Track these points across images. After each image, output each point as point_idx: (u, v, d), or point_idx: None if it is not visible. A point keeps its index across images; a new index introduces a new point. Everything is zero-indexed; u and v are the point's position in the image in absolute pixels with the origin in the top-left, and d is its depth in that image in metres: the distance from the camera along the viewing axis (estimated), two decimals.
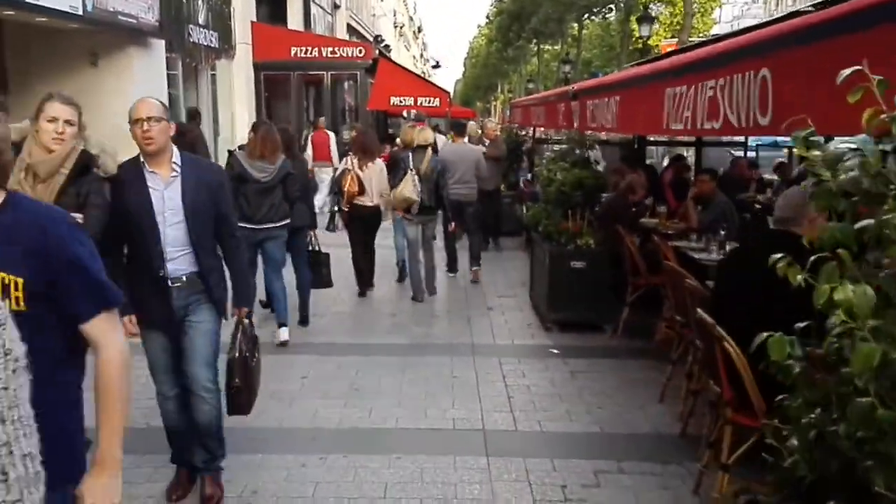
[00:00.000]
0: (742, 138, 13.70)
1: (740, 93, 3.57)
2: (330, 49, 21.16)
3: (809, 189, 2.00)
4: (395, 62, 25.54)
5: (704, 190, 8.67)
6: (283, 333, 7.26)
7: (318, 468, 4.60)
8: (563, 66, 44.95)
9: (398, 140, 10.92)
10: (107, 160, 4.08)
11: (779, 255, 1.98)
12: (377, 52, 24.08)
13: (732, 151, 19.76)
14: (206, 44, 16.84)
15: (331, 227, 9.44)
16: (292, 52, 20.56)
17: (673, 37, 46.19)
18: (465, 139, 11.32)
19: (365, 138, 9.51)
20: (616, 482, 4.54)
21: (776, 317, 4.05)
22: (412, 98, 19.32)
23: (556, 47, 57.59)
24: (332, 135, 16.84)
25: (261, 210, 6.88)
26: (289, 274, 7.76)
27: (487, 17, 73.68)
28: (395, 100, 19.56)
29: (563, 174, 7.82)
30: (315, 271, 7.97)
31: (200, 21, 16.45)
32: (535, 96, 17.37)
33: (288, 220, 7.11)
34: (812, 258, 1.80)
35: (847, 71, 1.75)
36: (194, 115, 13.97)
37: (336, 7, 32.90)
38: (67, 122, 3.91)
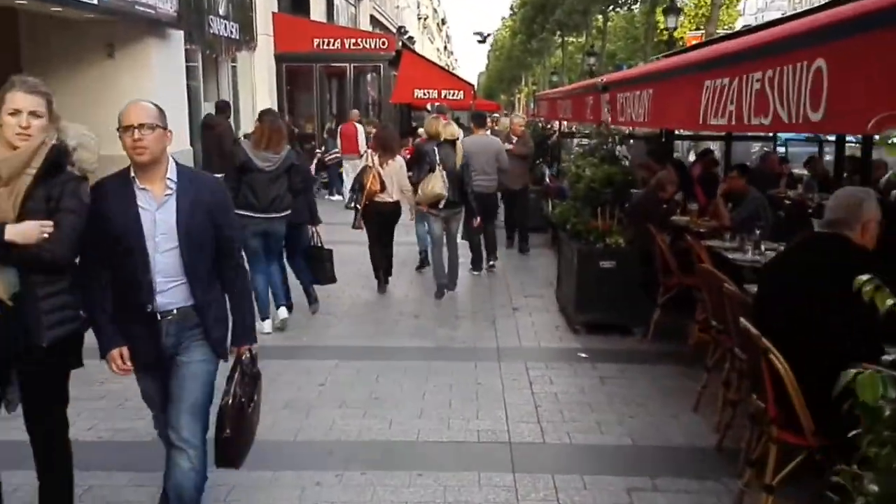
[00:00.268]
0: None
1: (791, 86, 3.27)
2: (353, 41, 20.95)
3: None
4: (418, 54, 25.28)
5: (735, 186, 8.35)
6: (267, 326, 7.21)
7: (334, 487, 4.34)
8: (587, 58, 44.43)
9: (420, 131, 10.70)
10: (83, 155, 3.48)
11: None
12: (400, 43, 23.80)
13: (757, 145, 19.38)
14: (226, 35, 16.69)
15: (356, 224, 9.20)
16: (315, 44, 20.39)
17: (697, 28, 45.62)
18: (487, 131, 11.15)
19: (385, 134, 9.43)
20: (650, 502, 4.26)
21: (826, 327, 3.79)
22: (436, 91, 19.09)
23: (580, 39, 57.11)
24: (360, 127, 16.63)
25: (266, 199, 6.95)
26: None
27: (511, 9, 73.14)
28: (418, 92, 19.33)
29: (591, 170, 7.52)
30: (318, 267, 7.91)
31: (221, 12, 16.30)
32: (562, 89, 17.03)
33: (290, 211, 7.17)
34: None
35: None
36: (223, 108, 13.81)
37: None
38: (33, 113, 3.24)
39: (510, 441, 5.00)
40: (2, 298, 3.20)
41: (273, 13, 20.11)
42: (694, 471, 4.63)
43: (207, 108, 15.98)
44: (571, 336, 7.40)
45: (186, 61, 14.89)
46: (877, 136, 2.09)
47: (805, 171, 12.59)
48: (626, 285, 7.34)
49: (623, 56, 53.74)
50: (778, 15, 28.14)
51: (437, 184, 8.57)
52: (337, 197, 17.50)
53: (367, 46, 21.02)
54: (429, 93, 19.02)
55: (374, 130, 15.48)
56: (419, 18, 65.57)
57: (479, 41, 73.43)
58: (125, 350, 3.46)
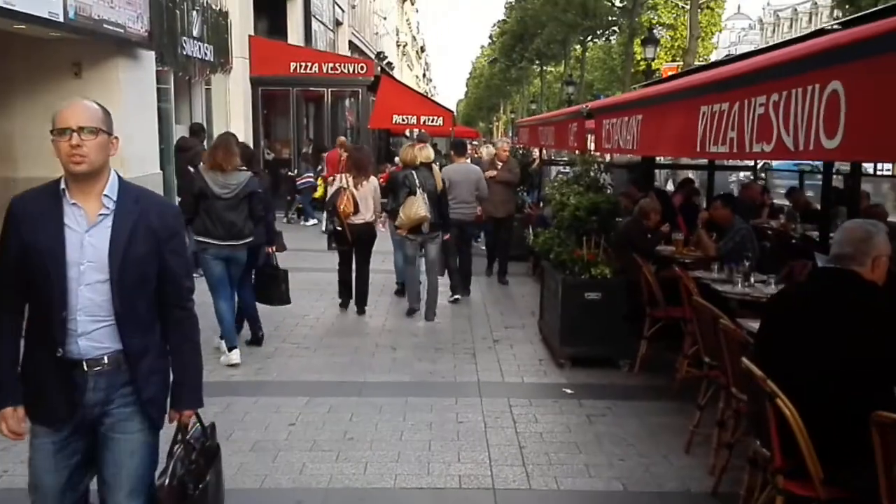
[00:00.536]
0: (750, 161, 13.20)
1: (800, 111, 3.03)
2: (330, 65, 20.76)
3: None
4: (397, 80, 25.10)
5: (719, 216, 8.12)
6: (235, 356, 7.00)
7: None
8: (566, 87, 44.65)
9: (397, 159, 10.53)
10: None
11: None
12: (379, 69, 23.62)
13: (734, 175, 19.31)
14: (200, 57, 16.41)
15: (333, 246, 9.11)
16: (291, 68, 20.17)
17: (673, 60, 46.01)
18: (467, 160, 10.90)
19: (358, 155, 9.31)
20: None
21: (837, 369, 3.54)
22: (415, 116, 18.86)
23: (558, 69, 57.50)
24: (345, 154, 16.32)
25: (223, 226, 6.79)
26: None
27: (490, 38, 73.64)
28: (397, 118, 19.09)
29: (576, 198, 7.26)
30: (272, 288, 7.72)
31: (195, 33, 16.02)
32: (544, 115, 16.87)
33: (251, 239, 7.02)
34: None
35: None
36: (197, 130, 13.50)
37: (338, 24, 32.53)
38: None
39: (494, 487, 4.68)
40: None
41: (249, 36, 19.86)
42: None
43: (180, 130, 15.64)
44: (556, 370, 7.11)
45: (158, 83, 14.57)
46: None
47: (786, 202, 12.47)
48: (612, 317, 7.08)
49: (600, 86, 54.10)
50: (751, 48, 28.30)
51: (419, 207, 8.52)
52: (312, 221, 17.24)
53: (346, 71, 20.84)
54: (407, 118, 18.79)
55: (345, 152, 15.49)
56: (398, 45, 65.57)
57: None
58: (21, 410, 2.83)
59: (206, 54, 16.81)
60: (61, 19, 9.52)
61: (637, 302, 7.18)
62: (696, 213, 10.99)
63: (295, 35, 23.82)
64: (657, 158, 11.09)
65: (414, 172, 8.67)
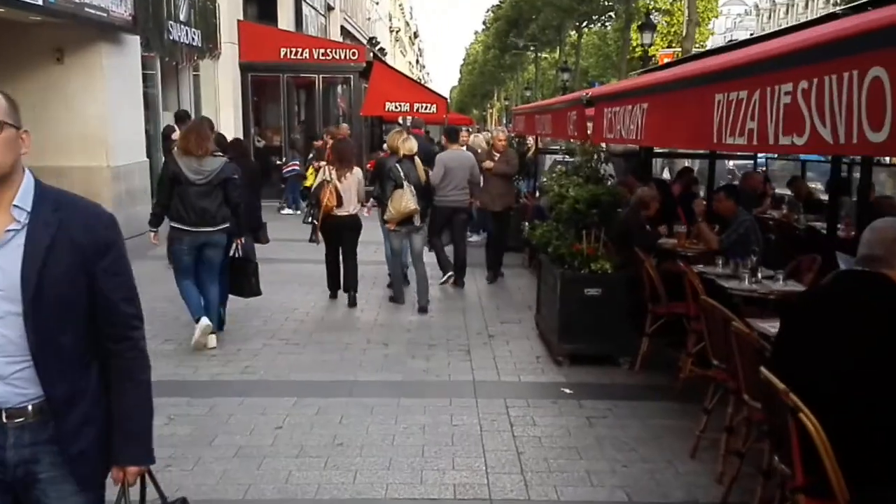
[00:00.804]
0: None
1: (837, 100, 2.75)
2: (322, 51, 20.39)
3: None
4: (390, 66, 24.74)
5: (721, 209, 7.85)
6: (212, 340, 7.06)
7: None
8: (561, 73, 44.33)
9: (384, 146, 10.32)
10: None
11: None
12: (371, 54, 23.26)
13: (731, 163, 19.00)
14: (187, 42, 16.09)
15: (313, 238, 9.19)
16: (282, 54, 19.81)
17: (669, 46, 45.72)
18: (463, 147, 10.71)
19: (341, 147, 9.25)
20: None
21: (862, 379, 3.28)
22: (408, 104, 18.55)
23: (553, 55, 57.18)
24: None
25: (195, 212, 6.76)
26: None
27: (484, 24, 73.17)
28: (390, 105, 18.77)
29: (576, 190, 6.98)
30: (242, 280, 7.59)
31: (182, 18, 15.68)
32: (541, 103, 16.53)
33: (227, 225, 6.97)
34: None
35: None
36: (183, 117, 13.18)
37: (330, 9, 32.12)
38: None
39: (490, 497, 4.42)
40: None
41: (238, 21, 19.48)
42: None
43: (167, 117, 15.36)
44: (554, 368, 6.85)
45: (144, 69, 14.29)
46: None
47: (788, 191, 12.21)
48: (612, 314, 6.82)
49: (595, 73, 53.80)
50: (746, 35, 27.89)
51: (408, 200, 8.47)
52: (287, 211, 16.99)
53: (337, 57, 20.47)
54: (400, 105, 18.47)
55: (332, 139, 15.23)
56: (391, 31, 65.07)
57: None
58: None
59: (193, 39, 16.48)
60: (40, 2, 9.23)
61: (638, 297, 6.93)
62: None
63: (285, 20, 23.43)
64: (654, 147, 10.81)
65: (398, 165, 8.63)
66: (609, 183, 7.58)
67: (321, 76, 20.87)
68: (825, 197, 11.25)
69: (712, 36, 55.14)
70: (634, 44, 39.78)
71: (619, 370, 6.80)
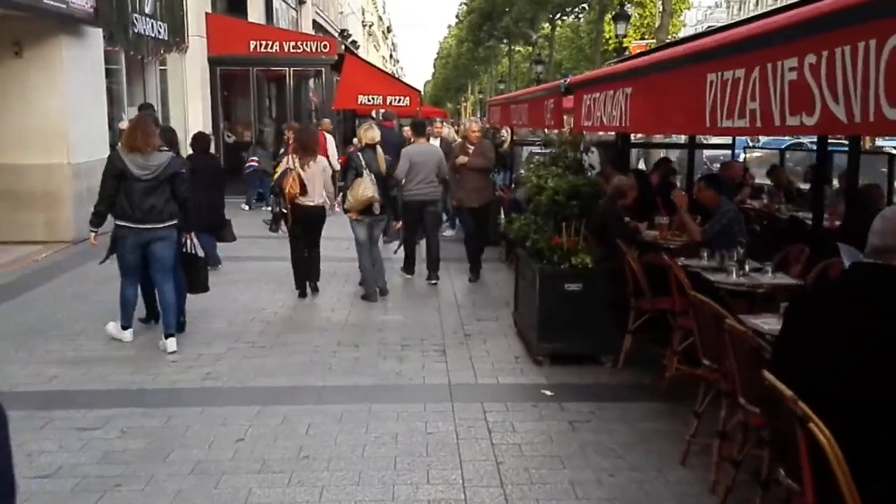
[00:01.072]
0: (728, 139, 12.64)
1: (850, 74, 2.43)
2: (292, 44, 19.96)
3: None
4: (362, 58, 24.33)
5: (703, 198, 7.56)
6: (171, 344, 6.82)
7: None
8: (535, 66, 44.08)
9: (355, 140, 10.06)
10: None
11: None
12: (343, 47, 22.83)
13: (707, 153, 18.74)
14: (153, 35, 15.59)
15: (273, 228, 9.20)
16: (251, 47, 19.35)
17: (642, 38, 45.62)
18: (437, 140, 10.36)
19: (304, 136, 9.15)
20: None
21: (879, 385, 2.97)
22: (381, 97, 18.23)
23: (527, 48, 57.00)
24: (330, 137, 15.56)
25: (142, 208, 6.60)
26: None
27: (458, 17, 72.81)
28: (362, 98, 18.43)
29: (555, 181, 6.65)
30: (191, 275, 7.39)
31: (147, 10, 15.20)
32: (517, 92, 16.20)
33: (175, 221, 6.83)
34: None
35: None
36: (147, 111, 12.71)
37: (301, 2, 31.61)
38: None
39: None
40: None
41: (206, 13, 18.97)
42: None
43: (133, 112, 14.85)
44: (533, 368, 6.52)
45: (107, 63, 13.84)
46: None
47: (767, 181, 11.99)
48: (594, 310, 6.51)
49: (569, 66, 53.58)
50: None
51: (367, 188, 8.44)
52: (245, 207, 16.63)
53: (308, 50, 20.05)
54: (373, 98, 18.12)
55: (293, 134, 14.85)
56: (364, 25, 64.43)
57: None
58: None
59: (159, 32, 16.01)
60: None
61: (620, 292, 6.63)
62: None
63: (255, 13, 22.96)
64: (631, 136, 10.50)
65: (360, 154, 8.66)
66: (590, 173, 7.25)
67: (292, 69, 20.42)
68: (805, 186, 11.05)
69: (684, 28, 55.11)
70: (607, 35, 39.60)
71: (602, 369, 6.50)
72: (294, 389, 6.00)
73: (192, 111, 18.31)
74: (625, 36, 28.57)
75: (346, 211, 8.75)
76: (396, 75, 58.53)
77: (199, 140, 10.16)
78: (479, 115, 41.96)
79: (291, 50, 19.78)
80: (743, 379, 3.78)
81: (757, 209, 10.30)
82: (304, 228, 8.80)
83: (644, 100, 4.66)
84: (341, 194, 9.08)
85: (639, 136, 12.37)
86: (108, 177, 6.63)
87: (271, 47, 19.58)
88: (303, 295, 8.92)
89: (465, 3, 62.71)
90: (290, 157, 8.84)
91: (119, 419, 5.30)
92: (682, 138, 13.35)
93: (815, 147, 12.07)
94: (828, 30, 2.61)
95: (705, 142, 12.60)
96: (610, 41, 40.23)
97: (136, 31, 14.70)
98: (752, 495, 3.84)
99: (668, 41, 20.85)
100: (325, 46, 20.42)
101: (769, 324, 4.23)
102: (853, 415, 2.84)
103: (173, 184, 6.72)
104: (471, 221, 10.25)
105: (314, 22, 33.46)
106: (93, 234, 6.88)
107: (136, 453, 4.79)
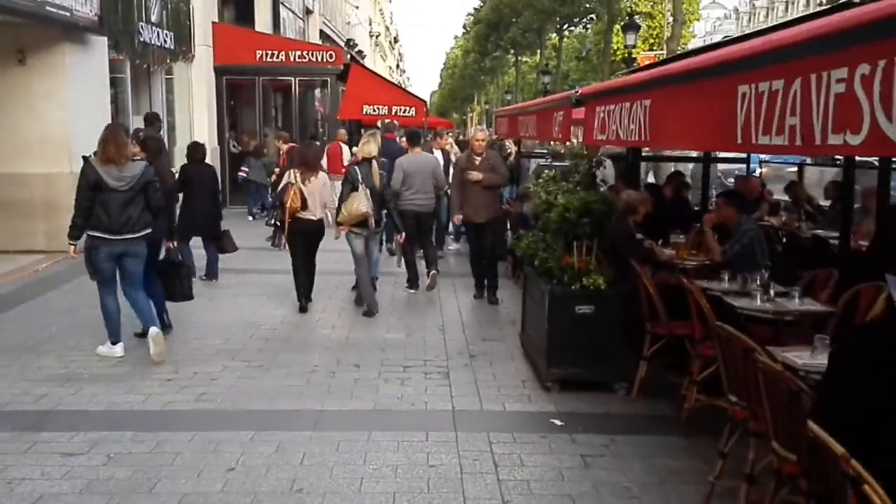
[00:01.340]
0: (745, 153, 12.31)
1: None
2: (298, 53, 19.79)
3: None
4: (368, 68, 24.08)
5: (722, 216, 7.24)
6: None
7: None
8: (542, 76, 43.84)
9: (354, 150, 9.92)
10: None
11: None
12: (349, 57, 22.59)
13: (720, 166, 18.36)
14: (159, 44, 15.36)
15: (275, 242, 9.37)
16: (257, 56, 19.18)
17: (650, 49, 45.39)
18: (432, 151, 10.31)
19: (306, 151, 9.27)
20: None
21: None
22: (386, 107, 17.88)
23: (534, 59, 56.85)
24: (346, 148, 15.40)
25: (120, 219, 6.56)
26: None
27: (464, 28, 72.77)
28: (368, 108, 18.09)
29: (565, 197, 6.34)
30: (173, 284, 7.48)
31: (153, 19, 14.98)
32: (526, 103, 15.90)
33: (149, 230, 6.81)
34: None
35: None
36: (153, 120, 12.63)
37: (309, 12, 31.45)
38: None
39: None
40: None
41: (213, 23, 18.78)
42: None
43: (139, 121, 14.64)
44: (542, 395, 6.19)
45: (113, 72, 13.64)
46: None
47: (785, 197, 11.64)
48: (606, 334, 6.19)
49: (576, 77, 53.41)
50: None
51: (361, 203, 8.37)
52: (249, 219, 16.69)
53: (314, 59, 19.86)
54: (379, 109, 17.80)
55: (283, 144, 14.69)
56: (371, 36, 64.29)
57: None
58: None
59: (165, 41, 15.80)
60: None
61: (634, 315, 6.31)
62: (685, 209, 10.17)
63: (263, 23, 22.78)
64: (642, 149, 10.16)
65: (357, 168, 8.60)
66: (602, 188, 6.93)
67: (298, 79, 20.23)
68: (825, 203, 10.71)
69: (694, 38, 54.89)
70: (615, 46, 39.39)
71: (615, 397, 6.16)
72: (290, 413, 5.70)
73: (197, 121, 18.14)
74: (634, 46, 28.25)
75: (338, 224, 8.63)
76: (403, 86, 58.37)
77: (195, 150, 10.02)
78: (484, 125, 41.73)
79: (297, 59, 19.65)
80: (777, 422, 3.46)
81: (777, 227, 9.97)
82: (304, 242, 8.71)
83: (664, 113, 4.33)
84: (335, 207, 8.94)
85: (647, 148, 12.07)
86: (82, 188, 6.57)
87: (277, 56, 19.45)
88: (303, 309, 8.73)
89: (473, 14, 62.63)
90: (291, 171, 8.77)
91: (106, 444, 5.02)
92: (694, 152, 13.04)
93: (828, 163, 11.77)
94: (885, 36, 2.30)
95: (719, 155, 12.23)
96: (617, 52, 40.04)
97: (141, 39, 14.49)
98: None
99: (679, 52, 20.56)
100: (331, 56, 20.23)
101: (802, 358, 3.92)
102: None
103: (147, 193, 6.69)
104: (475, 239, 9.67)
105: (321, 32, 33.31)
106: (72, 246, 6.82)
107: (121, 483, 4.50)
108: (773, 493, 3.63)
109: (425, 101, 19.06)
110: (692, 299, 5.48)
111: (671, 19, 27.29)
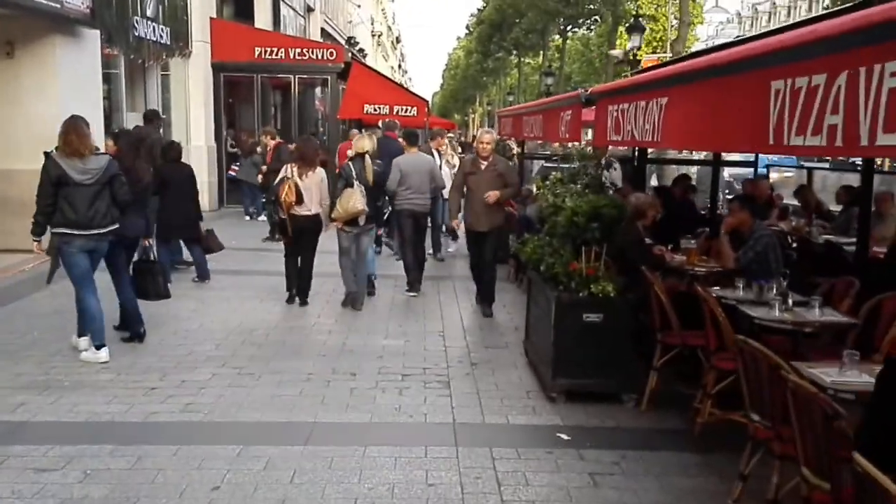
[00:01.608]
0: (751, 155, 12.01)
1: None
2: (298, 50, 19.43)
3: None
4: (368, 66, 23.78)
5: (734, 222, 6.96)
6: (104, 354, 6.60)
7: None
8: (545, 78, 43.56)
9: (349, 152, 9.69)
10: None
11: None
12: (350, 55, 22.29)
13: (727, 169, 18.07)
14: (155, 39, 15.02)
15: (275, 237, 9.34)
16: (256, 53, 18.84)
17: (654, 52, 45.09)
18: (438, 151, 10.70)
19: (304, 146, 9.13)
20: None
21: None
22: (387, 106, 17.57)
23: (536, 60, 56.63)
24: None
25: (87, 214, 6.38)
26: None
27: (467, 28, 72.53)
28: (368, 108, 17.79)
29: (573, 200, 6.05)
30: (147, 281, 7.37)
31: (149, 14, 14.65)
32: (531, 103, 15.62)
33: (116, 226, 6.62)
34: None
35: None
36: (152, 117, 12.39)
37: (310, 10, 31.14)
38: None
39: None
40: None
41: (210, 18, 18.47)
42: None
43: (134, 118, 14.36)
44: (547, 406, 5.90)
45: (107, 67, 13.30)
46: None
47: (794, 201, 11.37)
48: (615, 343, 5.90)
49: (579, 79, 53.14)
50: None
51: (356, 200, 8.31)
52: (246, 218, 16.51)
53: (314, 57, 19.51)
54: (379, 108, 17.50)
55: (270, 140, 14.33)
56: (373, 35, 63.98)
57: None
58: None
59: (161, 37, 15.46)
60: None
61: (645, 324, 6.03)
62: (692, 212, 9.90)
63: (263, 20, 22.44)
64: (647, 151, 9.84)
65: (350, 164, 8.59)
66: (610, 192, 6.65)
67: (297, 77, 19.92)
68: (836, 207, 10.42)
69: (697, 42, 54.60)
70: (619, 48, 39.09)
71: (624, 409, 5.88)
72: (281, 426, 5.40)
73: (194, 119, 17.82)
74: (639, 48, 27.94)
75: (332, 220, 8.58)
76: (405, 85, 58.08)
77: (170, 149, 9.83)
78: (489, 126, 41.46)
79: (297, 57, 19.30)
80: (807, 446, 3.17)
81: (786, 232, 9.69)
82: (298, 237, 8.67)
83: (685, 111, 4.04)
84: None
85: (651, 150, 11.77)
86: (45, 184, 6.35)
87: (276, 54, 19.12)
88: (290, 300, 8.83)
89: (475, 15, 62.39)
90: (289, 166, 8.70)
91: (83, 459, 4.73)
92: (700, 154, 12.78)
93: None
94: None
95: (726, 158, 11.92)
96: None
97: (136, 34, 14.16)
98: None
99: (684, 54, 20.27)
100: (331, 54, 19.90)
101: (830, 374, 3.63)
102: None
103: (112, 187, 6.51)
104: (474, 248, 9.03)
105: (322, 30, 32.99)
106: (36, 242, 6.57)
107: (96, 503, 4.20)
108: None
109: (427, 101, 18.78)
110: (707, 308, 5.21)
111: (675, 22, 26.97)
